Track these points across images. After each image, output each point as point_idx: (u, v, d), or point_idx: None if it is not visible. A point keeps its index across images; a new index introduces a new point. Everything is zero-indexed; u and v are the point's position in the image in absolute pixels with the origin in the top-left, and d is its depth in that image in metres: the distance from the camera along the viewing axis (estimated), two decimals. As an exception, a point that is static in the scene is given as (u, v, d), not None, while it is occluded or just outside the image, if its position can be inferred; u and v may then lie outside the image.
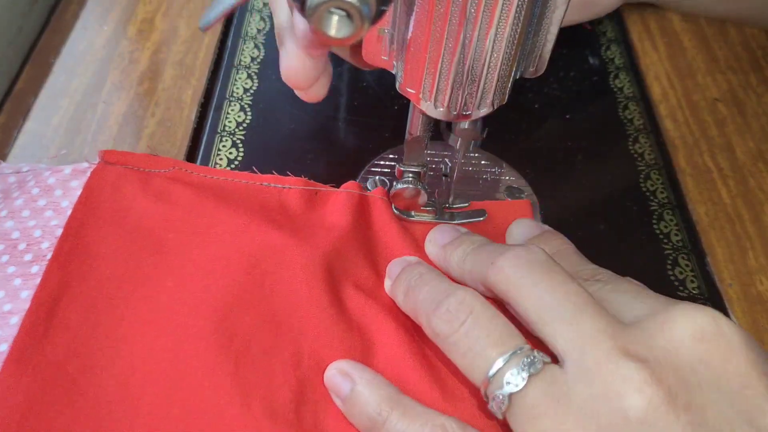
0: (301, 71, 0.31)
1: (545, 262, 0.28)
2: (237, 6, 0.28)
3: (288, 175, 0.38)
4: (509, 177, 0.42)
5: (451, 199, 0.38)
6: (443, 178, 0.41)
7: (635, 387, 0.24)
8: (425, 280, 0.31)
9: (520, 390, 0.25)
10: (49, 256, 0.33)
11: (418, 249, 0.35)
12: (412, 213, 0.37)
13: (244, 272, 0.32)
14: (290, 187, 0.37)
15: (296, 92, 0.33)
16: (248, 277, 0.32)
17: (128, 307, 0.31)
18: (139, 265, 0.33)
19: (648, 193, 0.42)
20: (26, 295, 0.31)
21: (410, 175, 0.35)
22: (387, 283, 0.34)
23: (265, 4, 0.52)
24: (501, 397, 0.26)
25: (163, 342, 0.30)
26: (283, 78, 0.32)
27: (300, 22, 0.29)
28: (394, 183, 0.36)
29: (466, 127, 0.32)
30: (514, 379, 0.25)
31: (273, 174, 0.38)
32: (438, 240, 0.34)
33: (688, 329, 0.25)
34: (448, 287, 0.29)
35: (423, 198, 0.36)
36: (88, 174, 0.36)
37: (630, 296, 0.29)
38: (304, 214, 0.36)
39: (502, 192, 0.41)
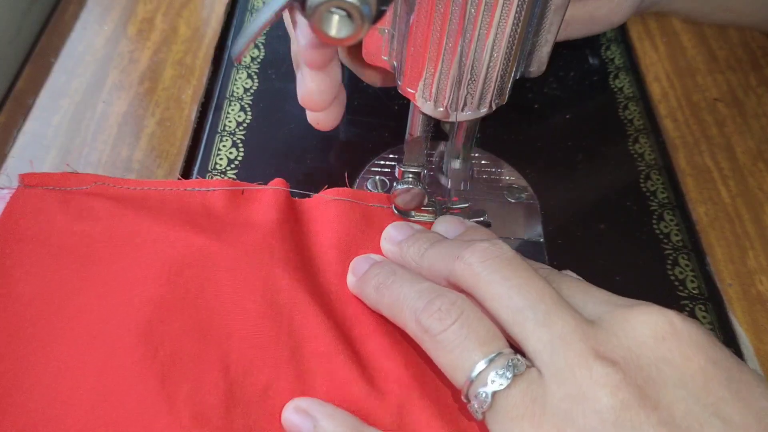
0: (316, 93, 0.32)
1: (513, 258, 0.28)
2: (263, 30, 0.28)
3: (260, 183, 0.37)
4: (509, 177, 0.42)
5: (450, 200, 0.38)
6: (443, 178, 0.41)
7: (609, 390, 0.24)
8: (403, 277, 0.31)
9: (504, 389, 0.26)
10: None
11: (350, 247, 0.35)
12: (412, 213, 0.37)
13: (167, 280, 0.32)
14: (214, 189, 0.37)
15: (311, 122, 0.34)
16: (172, 284, 0.32)
17: (53, 324, 0.31)
18: (62, 282, 0.32)
19: (648, 193, 0.42)
20: None
21: (410, 175, 0.35)
22: (350, 279, 0.33)
23: (265, 4, 0.52)
24: (484, 395, 0.26)
25: (89, 357, 0.30)
26: (300, 101, 0.33)
27: (302, 35, 0.29)
28: (395, 184, 0.36)
29: (458, 168, 0.34)
30: (498, 379, 0.26)
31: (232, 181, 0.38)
32: (393, 237, 0.34)
33: (648, 330, 0.26)
34: (436, 287, 0.30)
35: (423, 198, 0.36)
36: (7, 199, 0.35)
37: (580, 293, 0.29)
38: (229, 214, 0.36)
39: (502, 192, 0.41)
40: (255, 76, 0.47)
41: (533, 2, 0.27)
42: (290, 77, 0.47)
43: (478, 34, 0.26)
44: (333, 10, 0.22)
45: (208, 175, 0.40)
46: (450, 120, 0.31)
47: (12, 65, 0.47)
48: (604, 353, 0.25)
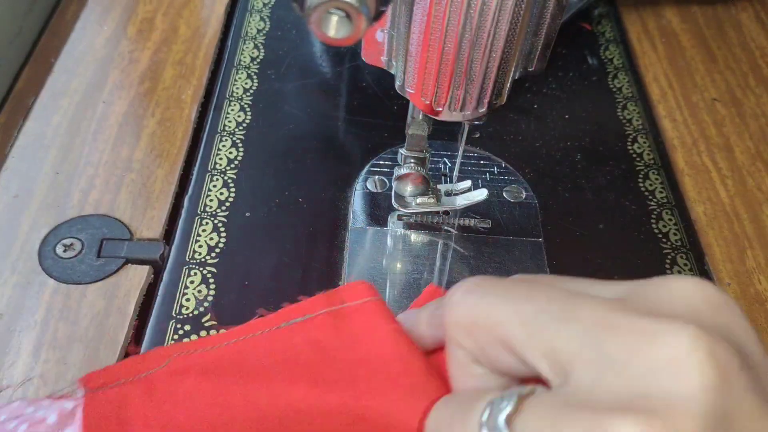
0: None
1: (493, 279, 0.25)
2: None
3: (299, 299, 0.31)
4: (509, 177, 0.42)
5: (453, 185, 0.38)
6: (442, 177, 0.41)
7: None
8: None
9: (515, 410, 0.21)
10: None
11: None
12: (413, 204, 0.37)
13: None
14: (305, 318, 0.30)
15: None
16: None
17: None
18: None
19: (647, 193, 0.43)
20: None
21: (412, 160, 0.35)
22: None
23: (264, 5, 0.52)
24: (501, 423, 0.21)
25: None
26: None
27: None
28: (396, 168, 0.36)
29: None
30: (506, 405, 0.21)
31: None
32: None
33: (699, 296, 0.22)
34: None
35: (425, 182, 0.36)
36: (79, 415, 0.29)
37: (587, 284, 0.25)
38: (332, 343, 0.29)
39: (501, 191, 0.41)
40: (255, 77, 0.47)
41: (531, 2, 0.27)
42: (289, 77, 0.47)
43: (477, 35, 0.26)
44: (332, 11, 0.22)
45: (207, 175, 0.40)
46: (449, 120, 0.31)
47: (12, 65, 0.47)
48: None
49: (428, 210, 0.37)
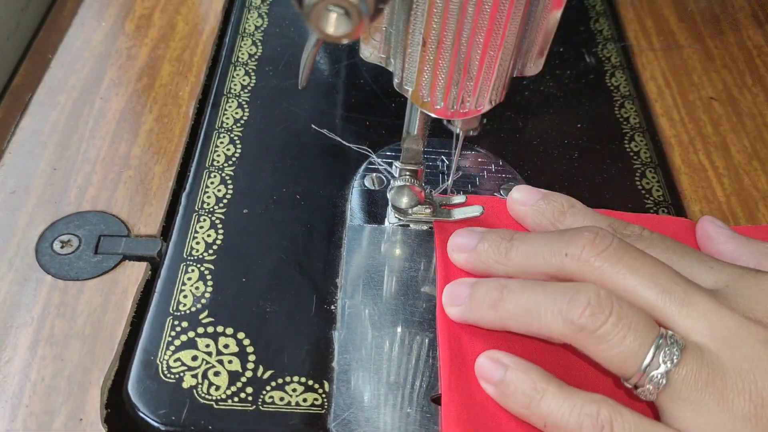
0: None
1: (620, 244, 0.29)
2: (316, 51, 0.30)
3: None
4: (506, 174, 0.42)
5: (448, 196, 0.38)
6: (440, 175, 0.41)
7: None
8: (519, 285, 0.31)
9: (676, 367, 0.27)
10: None
11: None
12: (410, 211, 0.38)
13: None
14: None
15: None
16: None
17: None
18: None
19: (644, 192, 0.43)
20: None
21: (407, 173, 0.35)
22: (453, 310, 0.33)
23: (263, 1, 0.52)
24: (658, 376, 0.27)
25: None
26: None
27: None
28: (392, 181, 0.36)
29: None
30: (669, 358, 0.27)
31: None
32: (464, 245, 0.34)
33: None
34: (562, 285, 0.29)
35: (421, 196, 0.36)
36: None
37: (695, 263, 0.30)
38: None
39: (499, 190, 0.41)
40: (252, 73, 0.47)
41: (531, 1, 0.27)
42: (287, 74, 0.47)
43: (476, 32, 0.27)
44: (330, 7, 0.22)
45: (205, 172, 0.40)
46: (447, 119, 0.31)
47: (10, 61, 0.47)
48: (759, 319, 0.27)
49: (424, 220, 0.38)
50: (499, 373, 0.30)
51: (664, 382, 0.27)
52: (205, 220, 0.38)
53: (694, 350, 0.27)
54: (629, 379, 0.28)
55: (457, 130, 0.33)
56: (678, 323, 0.28)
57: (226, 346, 0.33)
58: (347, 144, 0.42)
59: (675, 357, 0.27)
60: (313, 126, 0.43)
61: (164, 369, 0.32)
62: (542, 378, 0.29)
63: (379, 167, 0.41)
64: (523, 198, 0.36)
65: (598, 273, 0.29)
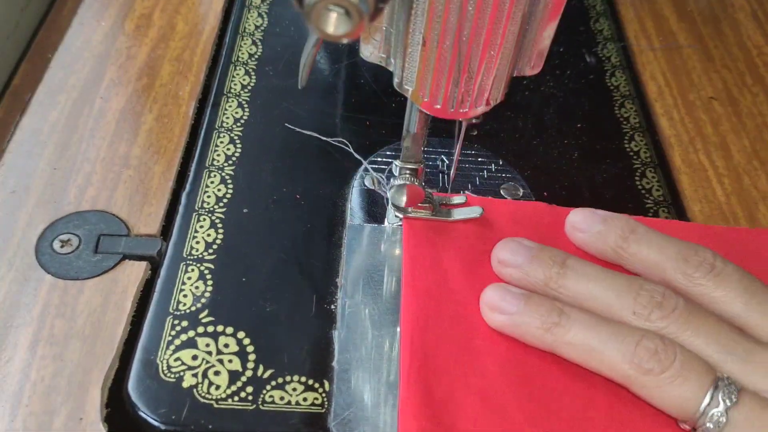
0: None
1: (688, 308, 0.30)
2: (316, 51, 0.30)
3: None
4: (506, 174, 0.42)
5: (448, 196, 0.38)
6: (440, 174, 0.41)
7: None
8: (580, 317, 0.31)
9: (736, 404, 0.28)
10: None
11: None
12: (409, 210, 0.38)
13: None
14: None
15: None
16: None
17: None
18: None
19: (644, 191, 0.43)
20: None
21: (407, 172, 0.35)
22: (497, 317, 0.32)
23: (262, 1, 0.52)
24: (719, 414, 0.28)
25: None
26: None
27: None
28: (392, 180, 0.36)
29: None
30: (728, 397, 0.28)
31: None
32: (511, 261, 0.34)
33: None
34: (628, 329, 0.30)
35: (421, 195, 0.36)
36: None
37: (764, 300, 0.31)
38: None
39: (499, 189, 0.41)
40: (252, 73, 0.47)
41: (531, 1, 0.27)
42: (287, 74, 0.47)
43: (477, 32, 0.26)
44: (331, 7, 0.22)
45: (205, 172, 0.40)
46: (447, 118, 0.31)
47: (9, 61, 0.47)
48: None
49: (424, 218, 0.38)
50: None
51: (724, 420, 0.28)
52: (205, 219, 0.38)
53: (752, 393, 0.28)
54: (688, 421, 0.29)
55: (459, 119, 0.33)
56: (738, 378, 0.29)
57: (226, 346, 0.33)
58: (324, 139, 0.42)
59: (733, 396, 0.28)
60: (287, 125, 0.43)
61: (164, 368, 0.32)
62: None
63: (372, 174, 0.41)
64: (581, 224, 0.35)
65: (664, 333, 0.30)
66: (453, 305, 0.34)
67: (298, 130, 0.43)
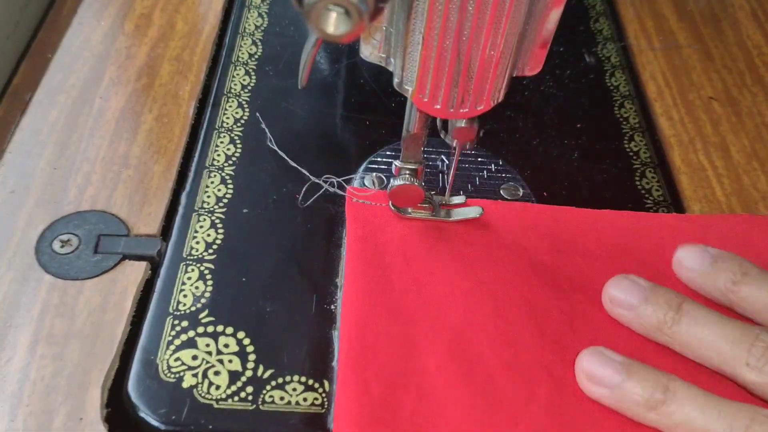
0: None
1: None
2: (316, 51, 0.30)
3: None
4: (506, 174, 0.42)
5: (447, 196, 0.38)
6: (440, 175, 0.41)
7: None
8: (686, 394, 0.30)
9: None
10: None
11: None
12: (409, 210, 0.38)
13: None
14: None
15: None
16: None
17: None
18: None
19: (643, 191, 0.43)
20: None
21: (407, 172, 0.35)
22: (594, 390, 0.31)
23: (262, 1, 0.52)
24: None
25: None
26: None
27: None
28: (391, 180, 0.36)
29: (463, 125, 0.33)
30: None
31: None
32: (624, 302, 0.33)
33: None
34: (738, 405, 0.29)
35: (420, 195, 0.36)
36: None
37: None
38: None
39: (498, 189, 0.41)
40: (252, 73, 0.47)
41: (531, 0, 0.27)
42: (287, 74, 0.47)
43: (477, 32, 0.26)
44: (331, 7, 0.22)
45: (205, 172, 0.40)
46: (447, 118, 0.31)
47: (9, 61, 0.47)
48: None
49: (423, 218, 0.38)
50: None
51: None
52: (205, 219, 0.38)
53: None
54: None
55: (453, 144, 0.34)
56: None
57: (226, 346, 0.33)
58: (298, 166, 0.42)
59: None
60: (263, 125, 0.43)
61: (164, 368, 0.32)
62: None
63: (329, 188, 0.40)
64: (690, 263, 0.34)
65: None
66: (394, 301, 0.34)
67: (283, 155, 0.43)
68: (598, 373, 0.30)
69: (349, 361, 0.31)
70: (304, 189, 0.40)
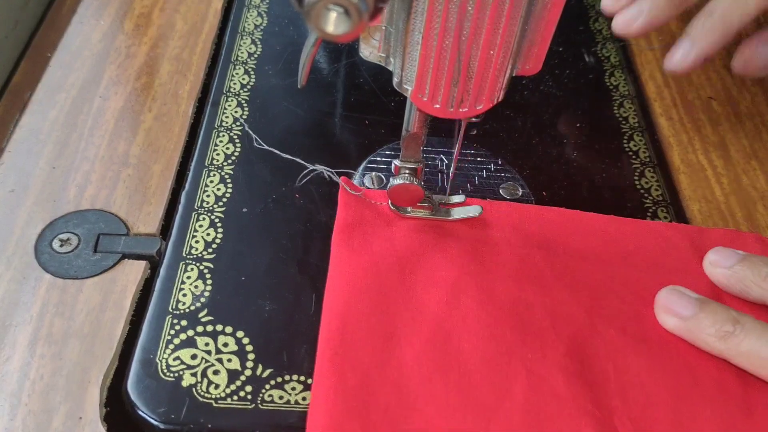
0: None
1: None
2: (316, 50, 0.31)
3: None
4: (505, 174, 0.42)
5: (447, 195, 0.38)
6: (440, 174, 0.41)
7: None
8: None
9: None
10: None
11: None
12: (408, 209, 0.38)
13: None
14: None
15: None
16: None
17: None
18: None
19: (642, 191, 0.43)
20: None
21: (407, 171, 0.35)
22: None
23: (262, 0, 0.52)
24: None
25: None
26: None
27: None
28: (391, 179, 0.36)
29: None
30: None
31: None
32: (677, 312, 0.34)
33: None
34: None
35: (420, 194, 0.36)
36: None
37: None
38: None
39: (498, 189, 0.41)
40: (252, 72, 0.47)
41: (530, 0, 0.27)
42: (287, 73, 0.47)
43: (476, 31, 0.27)
44: (330, 6, 0.22)
45: (204, 171, 0.40)
46: (447, 117, 0.31)
47: (9, 59, 0.47)
48: None
49: (423, 217, 0.38)
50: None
51: None
52: (204, 218, 0.38)
53: None
54: None
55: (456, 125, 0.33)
56: None
57: (225, 345, 0.33)
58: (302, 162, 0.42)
59: None
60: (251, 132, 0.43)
61: (163, 367, 0.32)
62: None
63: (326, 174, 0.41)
64: (719, 259, 0.36)
65: None
66: (377, 289, 0.34)
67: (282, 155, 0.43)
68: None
69: (327, 351, 0.32)
70: (299, 176, 0.40)
